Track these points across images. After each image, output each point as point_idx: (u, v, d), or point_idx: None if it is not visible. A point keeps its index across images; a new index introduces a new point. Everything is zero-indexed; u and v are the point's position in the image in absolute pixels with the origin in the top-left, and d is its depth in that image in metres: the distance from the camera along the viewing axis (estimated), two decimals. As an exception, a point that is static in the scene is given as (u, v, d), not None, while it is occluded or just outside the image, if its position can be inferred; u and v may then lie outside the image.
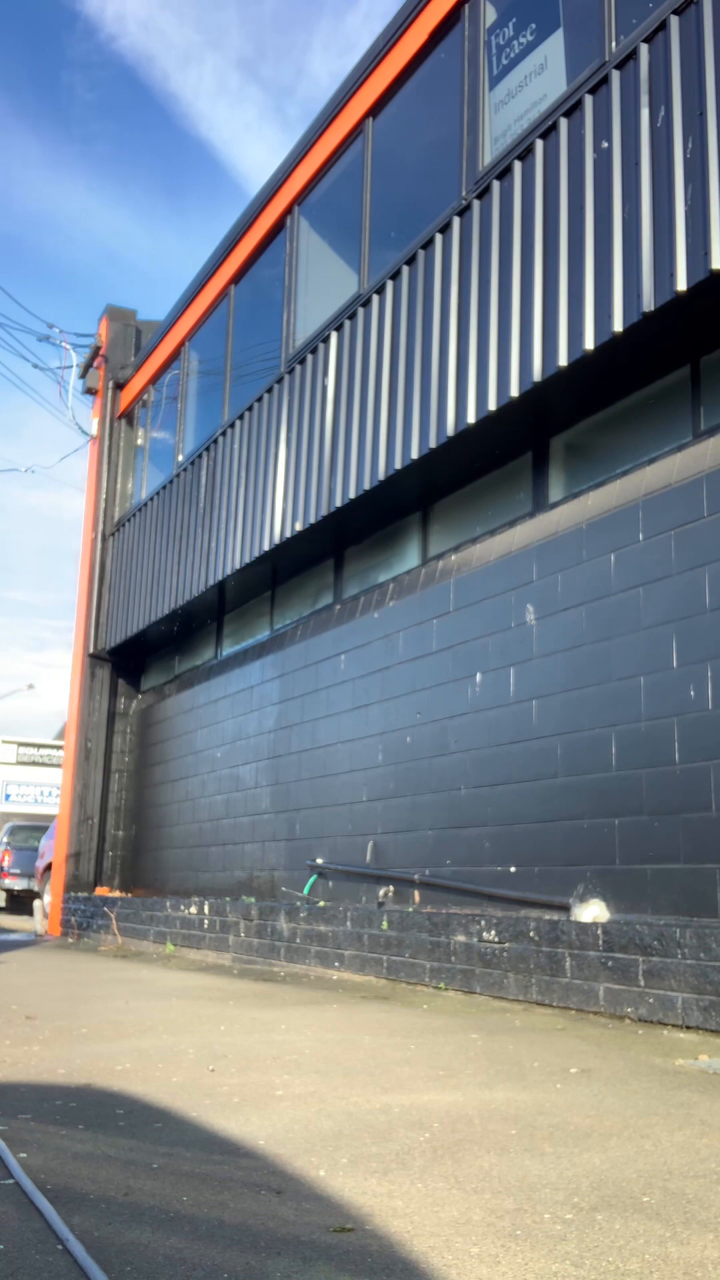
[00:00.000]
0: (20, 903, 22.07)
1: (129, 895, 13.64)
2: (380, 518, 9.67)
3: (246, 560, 10.87)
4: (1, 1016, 5.77)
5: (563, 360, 6.78)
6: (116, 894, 13.98)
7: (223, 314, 12.74)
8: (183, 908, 10.84)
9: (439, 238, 8.28)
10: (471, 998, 6.65)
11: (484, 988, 6.65)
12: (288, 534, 10.10)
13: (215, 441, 12.15)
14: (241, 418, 11.50)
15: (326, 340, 9.83)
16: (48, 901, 15.64)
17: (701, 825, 5.81)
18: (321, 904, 8.88)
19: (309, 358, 10.12)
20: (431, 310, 8.27)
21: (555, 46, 7.48)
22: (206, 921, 10.31)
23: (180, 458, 13.39)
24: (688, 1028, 5.21)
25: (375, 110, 9.66)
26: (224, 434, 11.92)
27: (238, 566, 11.06)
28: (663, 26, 6.31)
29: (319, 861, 9.51)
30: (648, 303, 6.13)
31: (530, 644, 7.32)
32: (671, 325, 6.30)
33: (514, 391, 7.20)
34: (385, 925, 7.71)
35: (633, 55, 6.50)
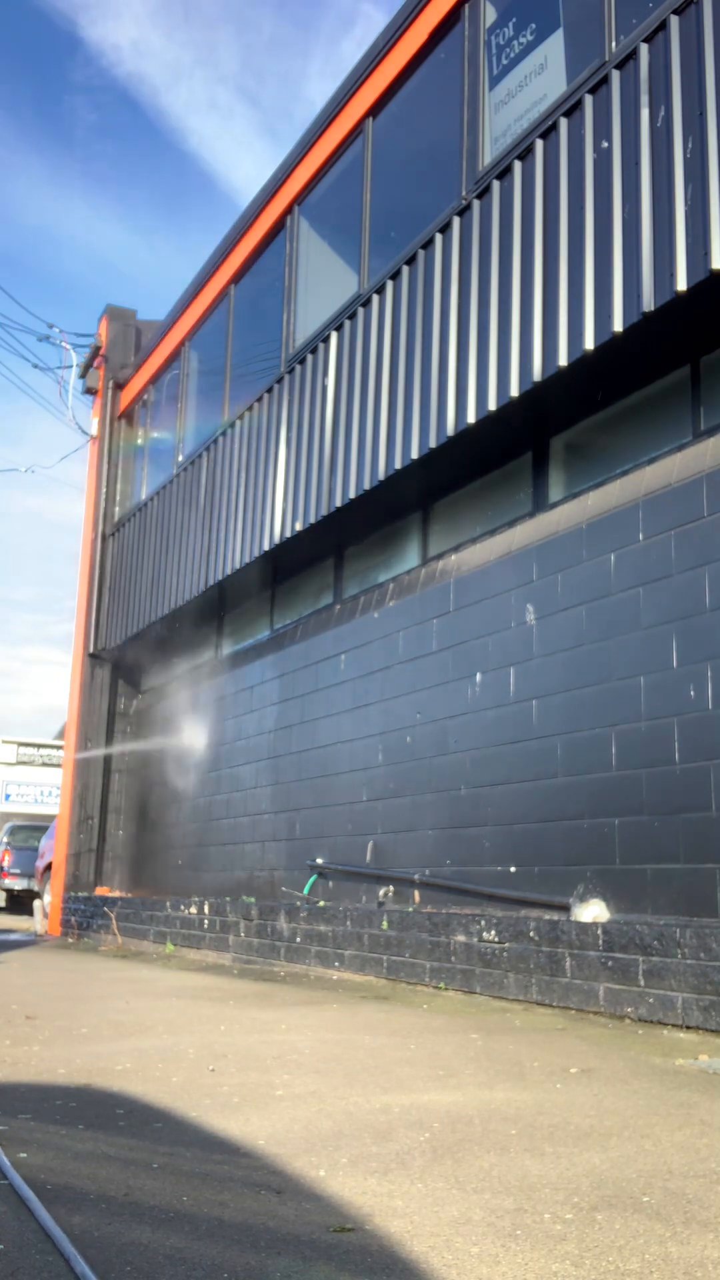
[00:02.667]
0: (20, 903, 22.06)
1: (129, 895, 13.64)
2: (380, 518, 9.66)
3: (246, 560, 10.87)
4: (1, 1016, 5.77)
5: (563, 360, 6.78)
6: (116, 894, 13.98)
7: (223, 314, 12.74)
8: (183, 908, 10.84)
9: (439, 237, 8.27)
10: (471, 998, 6.65)
11: (484, 988, 6.64)
12: (288, 534, 10.10)
13: (215, 441, 12.15)
14: (241, 418, 11.50)
15: (326, 340, 9.82)
16: (48, 901, 15.64)
17: (701, 825, 5.81)
18: (321, 904, 8.88)
19: (309, 358, 10.12)
20: (431, 310, 8.27)
21: (555, 46, 7.48)
22: (206, 921, 10.30)
23: (180, 458, 13.38)
24: (688, 1028, 5.21)
25: (375, 110, 9.66)
26: (224, 434, 11.92)
27: (238, 566, 11.06)
28: (663, 26, 6.31)
29: (319, 861, 9.51)
30: (648, 303, 6.13)
31: (530, 644, 7.32)
32: (671, 325, 6.30)
33: (514, 391, 7.20)
34: (385, 925, 7.71)
35: (633, 55, 6.50)
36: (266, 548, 10.47)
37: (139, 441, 15.39)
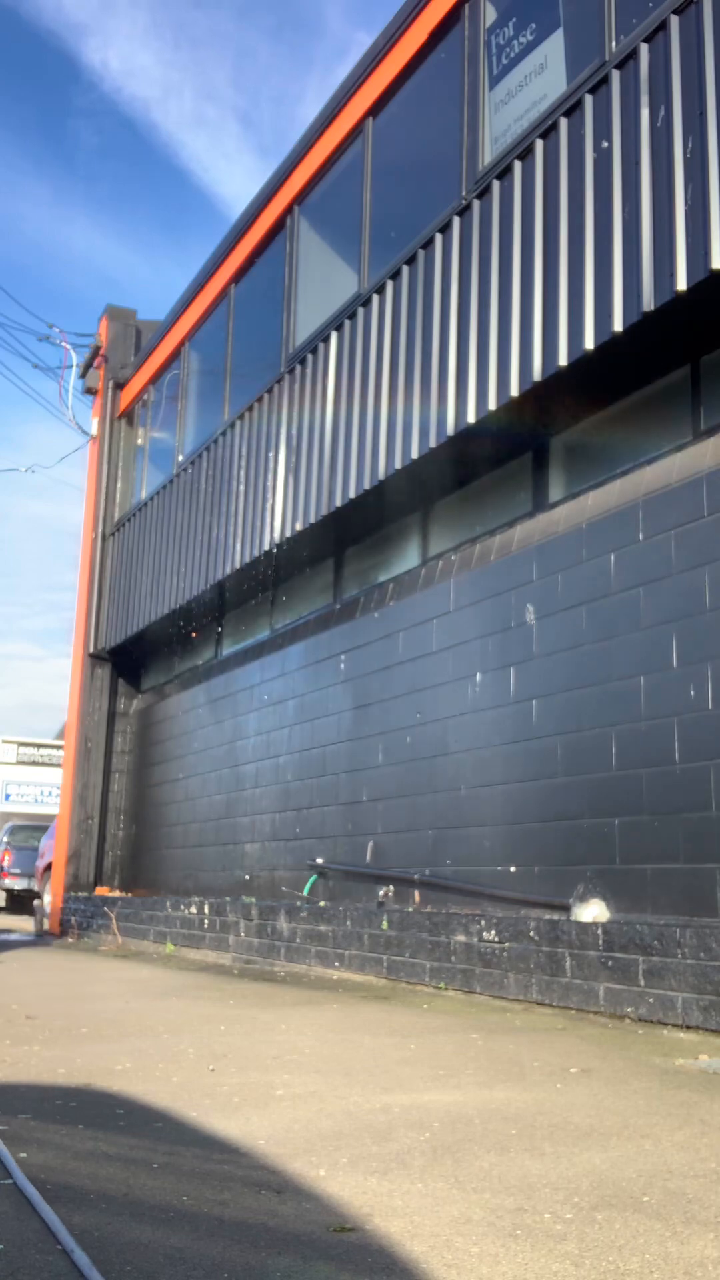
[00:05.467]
0: (20, 903, 22.04)
1: (129, 895, 13.64)
2: (380, 518, 9.66)
3: (246, 560, 10.87)
4: (1, 1016, 5.77)
5: (563, 360, 6.78)
6: (116, 894, 13.98)
7: (223, 314, 12.74)
8: (183, 907, 10.84)
9: (439, 237, 8.27)
10: (471, 997, 6.64)
11: (484, 987, 6.64)
12: (288, 534, 10.10)
13: (215, 441, 12.15)
14: (241, 418, 11.50)
15: (326, 340, 9.82)
16: (48, 901, 15.64)
17: (701, 825, 5.81)
18: (322, 904, 8.88)
19: (309, 358, 10.12)
20: (432, 310, 8.27)
21: (555, 46, 7.48)
22: (206, 921, 10.30)
23: (180, 458, 13.39)
24: (688, 1027, 5.21)
25: (375, 110, 9.65)
26: (224, 434, 11.92)
27: (238, 566, 11.06)
28: (663, 26, 6.31)
29: (319, 861, 9.51)
30: (648, 302, 6.13)
31: (530, 644, 7.32)
32: (671, 325, 6.30)
33: (514, 391, 7.20)
34: (385, 925, 7.71)
35: (633, 55, 6.50)
36: (266, 548, 10.47)
37: (139, 441, 15.38)
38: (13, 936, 14.63)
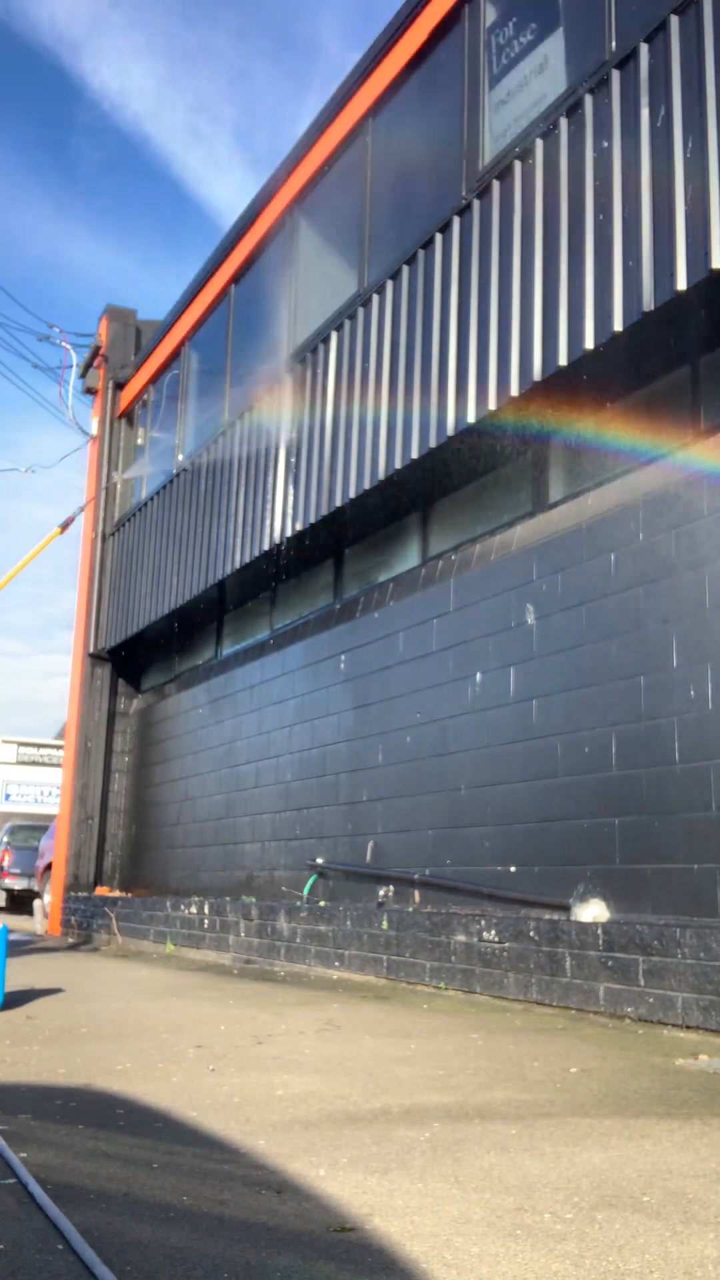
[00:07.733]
0: (20, 903, 22.03)
1: (129, 895, 13.64)
2: (380, 518, 9.66)
3: (246, 559, 10.87)
4: (1, 1016, 5.78)
5: (563, 359, 6.77)
6: (116, 894, 13.98)
7: (223, 314, 12.74)
8: (183, 907, 10.84)
9: (439, 237, 8.27)
10: (471, 997, 6.65)
11: (484, 987, 6.64)
12: (288, 534, 10.09)
13: (215, 441, 12.15)
14: (241, 418, 11.50)
15: (326, 340, 9.82)
16: (48, 901, 15.64)
17: (702, 825, 5.81)
18: (322, 904, 8.88)
19: (309, 357, 10.12)
20: (432, 310, 8.27)
21: (555, 46, 7.48)
22: (206, 921, 10.30)
23: (180, 458, 13.38)
24: (688, 1027, 5.21)
25: (375, 110, 9.65)
26: (224, 434, 11.92)
27: (238, 566, 11.06)
28: (663, 26, 6.31)
29: (319, 861, 9.51)
30: (648, 302, 6.13)
31: (530, 644, 7.32)
32: (672, 325, 6.30)
33: (514, 391, 7.20)
34: (385, 925, 7.71)
35: (633, 55, 6.50)
36: (266, 548, 10.47)
37: (139, 441, 15.38)
38: (13, 937, 14.63)
